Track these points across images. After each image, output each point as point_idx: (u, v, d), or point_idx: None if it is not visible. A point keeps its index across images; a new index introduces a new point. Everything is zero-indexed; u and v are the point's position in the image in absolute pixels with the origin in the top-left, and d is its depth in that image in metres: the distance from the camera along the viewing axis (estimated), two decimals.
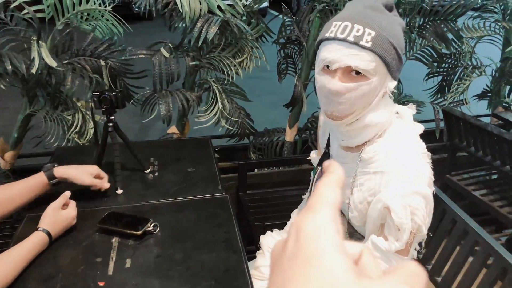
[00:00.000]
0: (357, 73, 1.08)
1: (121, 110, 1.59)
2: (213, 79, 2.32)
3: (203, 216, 1.49)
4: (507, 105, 3.23)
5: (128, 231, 1.34)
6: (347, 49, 1.06)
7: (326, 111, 1.16)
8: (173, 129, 2.56)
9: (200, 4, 2.05)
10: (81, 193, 1.51)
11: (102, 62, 2.29)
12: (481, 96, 3.41)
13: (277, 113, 5.33)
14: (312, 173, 1.61)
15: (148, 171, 1.75)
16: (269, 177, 2.64)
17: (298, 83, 2.54)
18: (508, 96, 3.17)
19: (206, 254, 1.30)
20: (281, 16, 2.68)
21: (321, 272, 0.29)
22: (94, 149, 1.73)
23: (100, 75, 2.27)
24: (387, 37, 1.07)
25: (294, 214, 1.63)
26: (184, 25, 2.19)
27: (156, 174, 1.75)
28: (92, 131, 2.26)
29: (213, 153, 1.97)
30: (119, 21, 2.41)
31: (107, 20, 2.40)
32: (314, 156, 1.57)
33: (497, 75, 3.03)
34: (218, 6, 2.09)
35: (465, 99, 2.98)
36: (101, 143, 1.65)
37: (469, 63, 2.90)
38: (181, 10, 1.96)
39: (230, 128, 2.47)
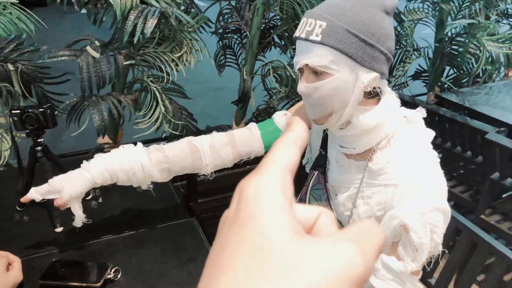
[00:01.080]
0: (318, 71, 0.98)
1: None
2: (151, 78, 2.03)
3: (170, 248, 1.24)
4: (442, 84, 3.26)
5: (84, 285, 1.06)
6: (302, 47, 0.99)
7: (309, 116, 1.06)
8: (104, 138, 2.22)
9: None
10: None
11: (11, 67, 1.91)
12: (415, 77, 3.42)
13: (218, 109, 5.13)
14: (257, 124, 1.37)
15: (89, 197, 1.45)
16: (220, 181, 2.40)
17: (247, 77, 2.32)
18: (444, 76, 3.19)
19: None
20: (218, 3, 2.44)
21: (254, 233, 0.26)
22: (17, 177, 1.40)
23: (10, 83, 1.90)
24: (342, 25, 0.95)
25: None
26: (113, 18, 1.88)
27: (100, 200, 1.45)
28: (7, 153, 1.89)
29: None
30: (27, 15, 2.01)
31: (11, 13, 2.00)
32: (281, 119, 1.32)
33: (434, 57, 3.03)
34: None
35: (406, 81, 2.95)
36: (27, 171, 1.32)
37: (409, 46, 2.86)
38: (110, 1, 1.65)
39: (174, 132, 2.19)
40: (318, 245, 0.25)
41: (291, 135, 0.32)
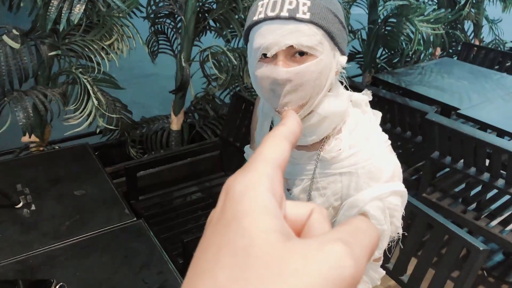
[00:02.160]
0: (301, 53, 0.89)
1: None
2: (79, 69, 1.85)
3: (119, 256, 1.12)
4: (376, 65, 3.32)
5: None
6: (283, 27, 0.87)
7: (276, 107, 0.94)
8: (27, 137, 2.01)
9: None
10: None
11: None
12: (350, 59, 3.46)
13: (149, 97, 4.91)
14: None
15: (20, 205, 1.29)
16: (160, 176, 2.28)
17: (186, 64, 2.20)
18: (378, 57, 3.25)
19: None
20: None
21: (237, 236, 0.24)
22: None
23: None
24: (325, 4, 0.90)
25: None
26: (32, 3, 1.68)
27: (33, 207, 1.30)
28: None
29: (100, 163, 1.57)
30: None
31: None
32: (250, 153, 1.30)
33: (368, 38, 3.07)
34: None
35: None
36: None
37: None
38: None
39: (109, 127, 2.04)
40: (305, 248, 0.24)
41: (283, 130, 0.31)
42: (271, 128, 1.15)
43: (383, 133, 1.03)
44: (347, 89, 1.02)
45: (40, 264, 1.09)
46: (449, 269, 1.43)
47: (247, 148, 1.33)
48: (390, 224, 0.95)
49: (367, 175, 0.96)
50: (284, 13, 0.87)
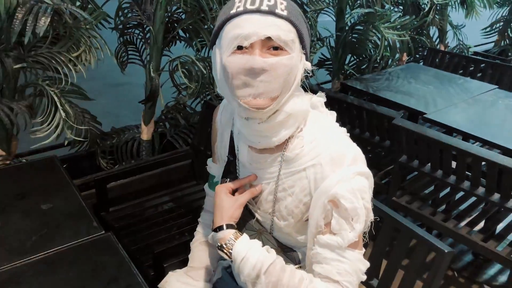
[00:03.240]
0: (275, 48, 0.93)
1: None
2: (47, 81, 1.83)
3: (86, 270, 1.12)
4: (345, 71, 3.38)
5: None
6: (262, 19, 0.92)
7: (246, 98, 0.95)
8: None
9: None
10: None
11: None
12: (319, 65, 3.52)
13: (120, 107, 4.85)
14: (207, 186, 1.35)
15: None
16: (131, 187, 2.27)
17: (155, 74, 2.20)
18: (346, 63, 3.31)
19: None
20: None
21: None
22: None
23: None
24: (297, 8, 0.98)
25: (194, 244, 1.35)
26: None
27: None
28: None
29: (68, 176, 1.56)
30: None
31: None
32: (212, 166, 1.31)
33: (337, 45, 3.12)
34: None
35: (312, 70, 3.00)
36: None
37: (314, 35, 2.92)
38: None
39: (77, 138, 2.02)
40: None
41: None
42: (231, 138, 1.16)
43: (341, 127, 1.08)
44: (307, 92, 1.07)
45: (6, 281, 1.07)
46: (417, 272, 1.46)
47: (209, 161, 1.34)
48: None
49: (330, 163, 1.00)
50: (264, 7, 0.92)
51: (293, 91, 0.98)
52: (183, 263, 1.43)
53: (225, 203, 1.09)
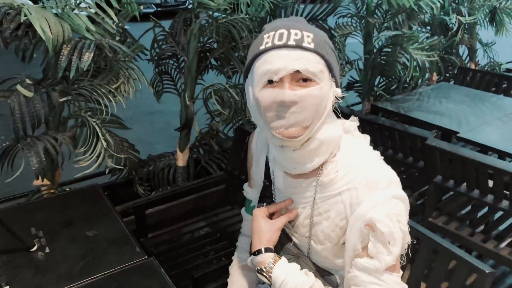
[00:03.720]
0: (305, 80, 0.97)
1: None
2: (89, 113, 1.92)
3: None
4: (374, 93, 3.39)
5: None
6: (290, 53, 0.96)
7: (279, 128, 0.99)
8: (39, 181, 2.07)
9: (62, 27, 1.64)
10: None
11: None
12: (348, 88, 3.54)
13: (152, 134, 4.99)
14: (244, 211, 1.38)
15: (34, 248, 1.34)
16: (168, 213, 2.32)
17: (190, 102, 2.27)
18: (376, 85, 3.32)
19: None
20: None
21: None
22: None
23: None
24: (324, 39, 1.01)
25: (233, 268, 1.37)
26: (44, 54, 1.76)
27: (47, 250, 1.34)
28: None
29: (110, 203, 1.62)
30: None
31: None
32: (248, 190, 1.34)
33: (365, 68, 3.15)
34: (86, 27, 1.71)
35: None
36: None
37: (342, 59, 2.96)
38: (41, 36, 1.53)
39: (117, 166, 2.09)
40: None
41: None
42: (267, 164, 1.19)
43: (375, 151, 1.10)
44: (339, 118, 1.10)
45: None
46: None
47: (245, 185, 1.37)
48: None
49: (365, 186, 1.02)
50: (291, 42, 0.96)
51: (325, 118, 1.01)
52: (223, 287, 1.46)
53: (263, 226, 1.12)
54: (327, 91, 0.99)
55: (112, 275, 1.23)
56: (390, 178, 1.03)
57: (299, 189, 1.11)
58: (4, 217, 1.29)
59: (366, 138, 1.14)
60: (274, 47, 0.97)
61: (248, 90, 1.05)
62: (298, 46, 0.96)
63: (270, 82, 0.97)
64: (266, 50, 0.98)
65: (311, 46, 0.96)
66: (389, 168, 1.06)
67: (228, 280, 1.36)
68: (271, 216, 1.15)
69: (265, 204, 1.18)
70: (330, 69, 1.00)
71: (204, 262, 1.92)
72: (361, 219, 1.00)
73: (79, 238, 1.40)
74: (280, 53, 0.96)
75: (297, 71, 0.95)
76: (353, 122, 1.15)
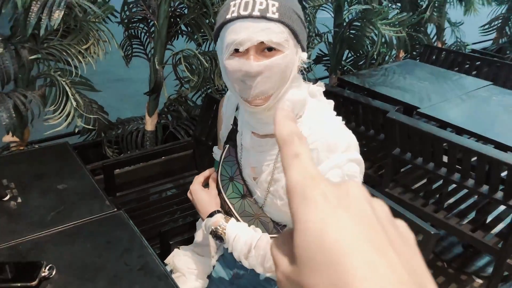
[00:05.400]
0: (270, 49, 1.02)
1: None
2: (59, 72, 1.94)
3: (102, 242, 1.22)
4: (342, 67, 3.47)
5: (18, 285, 1.02)
6: (255, 25, 0.99)
7: (247, 98, 1.07)
8: (9, 137, 2.09)
9: None
10: None
11: None
12: (317, 61, 3.61)
13: (121, 101, 4.94)
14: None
15: (6, 198, 1.38)
16: (136, 174, 2.37)
17: (159, 67, 2.30)
18: (344, 59, 3.40)
19: None
20: None
21: None
22: None
23: None
24: (290, 6, 1.04)
25: (200, 224, 1.46)
26: (13, 10, 1.75)
27: (19, 200, 1.39)
28: None
29: (80, 160, 1.66)
30: None
31: None
32: (218, 152, 1.42)
33: (334, 41, 3.21)
34: None
35: (310, 65, 3.10)
36: None
37: (312, 31, 3.01)
38: None
39: (88, 127, 2.12)
40: None
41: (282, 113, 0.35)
42: (235, 123, 1.27)
43: (337, 116, 1.18)
44: (305, 81, 1.17)
45: (30, 249, 1.18)
46: None
47: (215, 148, 1.45)
48: None
49: (326, 149, 1.08)
50: (256, 13, 0.98)
51: (290, 83, 1.07)
52: (188, 241, 1.54)
53: (205, 196, 1.27)
54: (292, 57, 1.04)
55: (83, 224, 1.29)
56: (349, 142, 1.10)
57: (265, 148, 1.18)
58: None
59: (331, 103, 1.21)
60: (239, 17, 1.00)
61: (219, 54, 1.10)
62: (263, 17, 0.99)
63: (237, 50, 1.02)
64: (231, 20, 1.01)
65: (276, 16, 0.99)
66: (349, 132, 1.14)
67: (195, 234, 1.44)
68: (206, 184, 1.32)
69: (228, 145, 1.30)
70: (296, 36, 1.04)
71: (171, 220, 2.00)
72: None
73: (50, 191, 1.44)
74: (245, 24, 0.99)
75: (262, 42, 1.00)
76: (319, 87, 1.23)
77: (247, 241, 1.15)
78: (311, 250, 0.27)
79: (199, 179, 1.32)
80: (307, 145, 0.33)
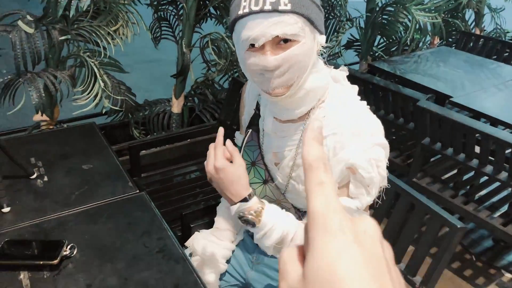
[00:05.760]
0: (285, 40, 0.99)
1: None
2: (88, 53, 1.96)
3: (123, 223, 1.24)
4: (373, 53, 3.39)
5: (41, 262, 1.05)
6: (267, 20, 0.97)
7: (266, 90, 1.05)
8: (39, 116, 2.13)
9: None
10: None
11: None
12: (347, 47, 3.53)
13: (151, 82, 4.99)
14: None
15: (34, 176, 1.41)
16: (161, 156, 2.40)
17: (186, 50, 2.30)
18: (375, 45, 3.32)
19: (145, 271, 1.08)
20: None
21: None
22: None
23: None
24: None
25: (221, 208, 1.45)
26: None
27: (46, 178, 1.42)
28: None
29: (106, 141, 1.68)
30: None
31: None
32: (239, 137, 1.41)
33: (366, 26, 3.14)
34: None
35: (340, 51, 3.04)
36: None
37: (343, 16, 2.94)
38: None
39: (115, 108, 2.15)
40: None
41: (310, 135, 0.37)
42: (257, 107, 1.26)
43: (362, 101, 1.15)
44: (326, 65, 1.14)
45: (53, 227, 1.21)
46: (428, 246, 1.51)
47: (237, 133, 1.44)
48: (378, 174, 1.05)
49: (350, 133, 1.07)
50: (267, 6, 0.95)
51: (310, 70, 1.05)
52: (209, 225, 1.54)
53: (235, 173, 1.13)
54: (309, 45, 1.02)
55: (105, 204, 1.31)
56: (373, 127, 1.08)
57: (287, 133, 1.17)
58: (6, 146, 1.35)
59: (355, 88, 1.18)
60: (251, 13, 0.97)
61: (236, 48, 1.08)
62: (275, 10, 0.95)
63: (253, 45, 1.00)
64: (243, 16, 0.98)
65: (288, 7, 0.96)
66: (374, 116, 1.11)
67: (215, 218, 1.44)
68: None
69: (250, 130, 1.26)
70: (311, 22, 1.01)
71: (193, 202, 2.01)
72: (343, 163, 1.06)
73: (75, 170, 1.47)
74: (258, 20, 0.97)
75: (277, 36, 0.97)
76: (343, 71, 1.20)
77: (284, 231, 1.10)
78: (321, 277, 0.30)
79: (220, 153, 1.15)
80: (331, 174, 0.36)
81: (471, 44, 3.81)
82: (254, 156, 1.26)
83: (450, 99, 2.67)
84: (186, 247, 1.42)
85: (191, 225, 1.61)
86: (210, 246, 1.33)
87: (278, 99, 1.05)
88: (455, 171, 2.55)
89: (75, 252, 1.10)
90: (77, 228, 1.20)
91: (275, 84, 1.02)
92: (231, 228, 1.40)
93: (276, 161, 1.22)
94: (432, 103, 2.31)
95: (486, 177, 2.34)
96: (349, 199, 1.08)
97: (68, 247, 1.10)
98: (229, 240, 1.39)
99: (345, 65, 1.30)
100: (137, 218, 1.26)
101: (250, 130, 1.28)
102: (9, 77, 1.84)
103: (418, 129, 2.46)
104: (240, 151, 1.30)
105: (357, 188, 1.07)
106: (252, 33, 0.97)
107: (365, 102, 1.15)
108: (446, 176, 2.51)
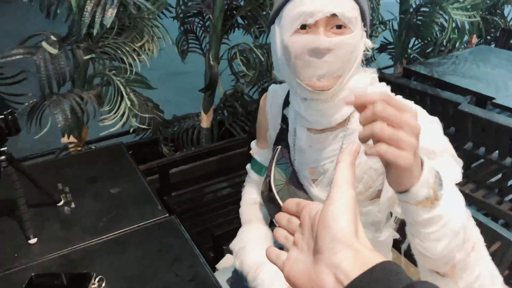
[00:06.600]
0: (339, 27, 0.90)
1: None
2: (113, 71, 1.92)
3: (153, 250, 1.17)
4: (408, 56, 3.26)
5: None
6: None
7: (310, 80, 0.93)
8: (66, 138, 2.09)
9: None
10: None
11: None
12: (381, 50, 3.42)
13: (180, 95, 4.98)
14: (250, 167, 1.34)
15: (61, 203, 1.37)
16: (192, 172, 2.34)
17: (214, 63, 2.24)
18: (410, 47, 3.20)
19: None
20: None
21: None
22: None
23: None
24: None
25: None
26: (68, 10, 1.75)
27: (73, 205, 1.37)
28: None
29: (134, 162, 1.63)
30: None
31: None
32: (257, 150, 1.30)
33: (400, 28, 3.02)
34: None
35: (373, 55, 2.93)
36: None
37: (376, 19, 2.84)
38: None
39: (142, 126, 2.10)
40: None
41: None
42: (283, 120, 1.16)
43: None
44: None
45: (81, 258, 1.15)
46: None
47: (253, 144, 1.32)
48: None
49: None
50: None
51: (355, 69, 0.96)
52: None
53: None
54: (359, 40, 0.93)
55: (134, 231, 1.25)
56: (420, 109, 0.96)
57: (325, 144, 1.05)
58: (33, 173, 1.31)
59: (389, 88, 1.10)
60: None
61: (275, 37, 0.98)
62: None
63: (303, 27, 0.90)
64: None
65: None
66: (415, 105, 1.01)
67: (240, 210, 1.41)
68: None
69: (280, 146, 1.15)
70: (363, 18, 0.94)
71: (225, 221, 1.94)
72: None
73: (103, 195, 1.42)
74: None
75: (333, 15, 0.88)
76: (374, 74, 1.10)
77: None
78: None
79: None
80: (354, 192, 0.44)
81: None
82: (287, 173, 1.16)
83: (493, 100, 2.52)
84: (217, 270, 1.34)
85: (224, 247, 1.54)
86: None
87: (321, 96, 0.95)
88: (499, 176, 2.40)
89: (103, 285, 1.04)
90: (105, 258, 1.14)
91: (324, 71, 0.91)
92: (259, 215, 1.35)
93: (313, 177, 1.11)
94: (474, 106, 2.18)
95: None
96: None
97: (97, 279, 1.04)
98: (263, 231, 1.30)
99: (378, 69, 1.20)
100: (167, 244, 1.19)
101: (280, 146, 1.18)
102: (34, 100, 1.82)
103: (459, 134, 2.33)
104: (271, 170, 1.20)
105: (440, 161, 0.93)
106: (308, 8, 0.88)
107: (400, 96, 1.05)
108: (491, 181, 2.36)
